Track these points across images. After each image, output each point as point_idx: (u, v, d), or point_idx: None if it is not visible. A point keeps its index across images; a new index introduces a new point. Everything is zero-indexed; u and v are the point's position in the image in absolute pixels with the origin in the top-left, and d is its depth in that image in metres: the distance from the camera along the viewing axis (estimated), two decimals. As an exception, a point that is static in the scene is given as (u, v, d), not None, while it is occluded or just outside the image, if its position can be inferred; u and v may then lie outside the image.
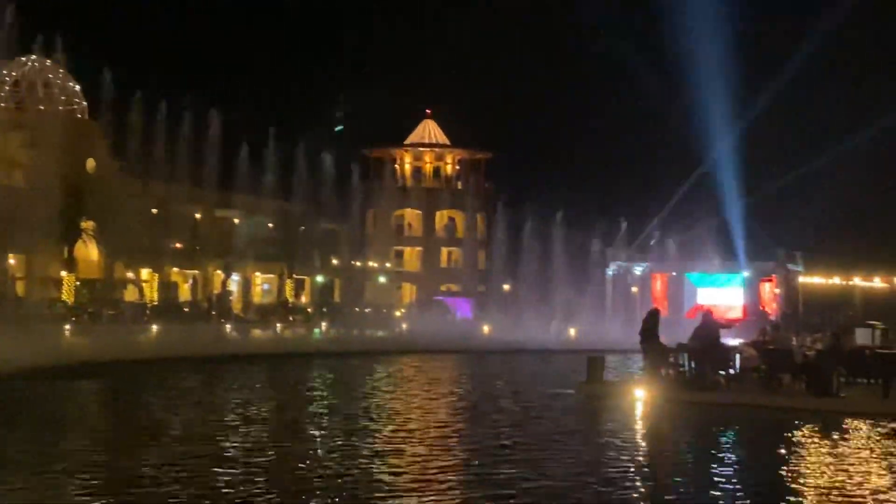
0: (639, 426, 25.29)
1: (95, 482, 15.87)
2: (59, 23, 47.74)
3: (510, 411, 27.24)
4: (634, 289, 79.41)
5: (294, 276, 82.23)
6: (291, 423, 24.36)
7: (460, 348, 56.29)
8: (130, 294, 67.47)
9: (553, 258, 71.70)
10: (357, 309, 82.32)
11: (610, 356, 37.04)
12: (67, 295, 60.54)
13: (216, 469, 17.03)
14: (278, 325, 61.48)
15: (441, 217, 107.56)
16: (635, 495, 16.10)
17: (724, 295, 75.91)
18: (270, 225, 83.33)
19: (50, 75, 70.32)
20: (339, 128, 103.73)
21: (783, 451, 20.36)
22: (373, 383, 35.80)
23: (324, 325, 63.77)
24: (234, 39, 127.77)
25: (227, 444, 20.00)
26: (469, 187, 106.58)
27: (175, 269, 75.33)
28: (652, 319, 31.70)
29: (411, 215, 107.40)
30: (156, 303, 66.30)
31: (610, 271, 78.44)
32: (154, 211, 70.88)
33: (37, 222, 46.00)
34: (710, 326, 30.76)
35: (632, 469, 18.42)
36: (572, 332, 65.47)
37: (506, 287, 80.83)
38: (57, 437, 20.77)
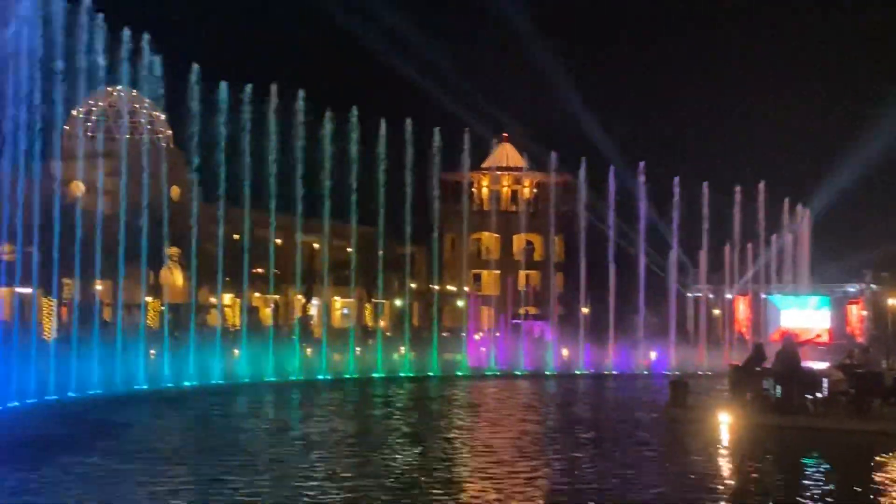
0: (723, 450, 24.95)
1: None
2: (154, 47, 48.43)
3: (593, 435, 27.07)
4: (717, 311, 78.45)
5: (373, 300, 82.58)
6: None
7: (539, 372, 56.08)
8: (214, 319, 68.24)
9: (633, 280, 71.05)
10: (435, 332, 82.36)
11: (693, 380, 36.61)
12: (152, 320, 61.45)
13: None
14: (357, 349, 61.76)
15: (519, 240, 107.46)
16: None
17: (808, 317, 74.58)
18: (349, 249, 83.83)
19: (136, 104, 71.70)
20: None
21: (874, 476, 19.96)
22: (453, 408, 35.79)
23: (402, 348, 63.94)
24: (317, 70, 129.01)
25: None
26: (547, 210, 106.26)
27: (257, 294, 76.10)
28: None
29: (489, 239, 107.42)
30: (238, 327, 66.99)
31: (692, 294, 77.62)
32: (236, 237, 71.70)
33: (123, 249, 46.80)
34: (790, 350, 30.34)
35: (717, 494, 18.18)
36: (653, 355, 64.86)
37: (585, 310, 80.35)
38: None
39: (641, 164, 70.18)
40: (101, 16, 41.52)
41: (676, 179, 69.72)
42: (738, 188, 71.46)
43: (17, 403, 32.09)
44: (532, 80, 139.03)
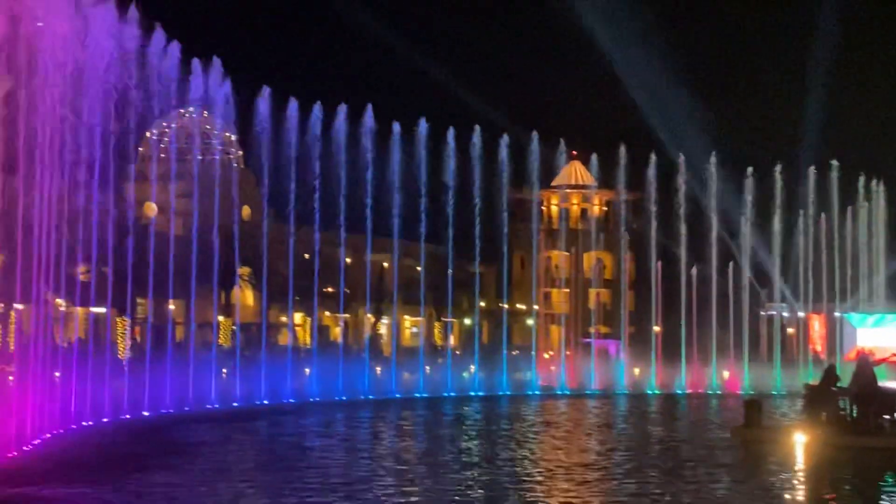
0: (800, 471, 24.52)
1: None
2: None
3: (667, 455, 26.78)
4: (791, 330, 77.29)
5: (442, 318, 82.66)
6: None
7: (609, 391, 55.74)
8: (285, 337, 68.69)
9: (704, 298, 70.19)
10: (505, 351, 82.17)
11: (767, 400, 36.09)
12: (224, 339, 61.96)
13: None
14: (427, 367, 61.82)
15: (589, 258, 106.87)
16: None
17: (886, 335, 72.95)
18: (419, 268, 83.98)
19: (207, 126, 72.59)
20: None
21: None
22: (526, 428, 35.62)
23: (472, 367, 63.88)
24: (384, 88, 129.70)
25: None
26: (617, 228, 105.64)
27: (327, 313, 76.48)
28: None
29: (558, 257, 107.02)
30: (309, 346, 67.38)
31: (766, 312, 76.49)
32: (306, 256, 72.16)
33: (195, 269, 47.34)
34: (866, 369, 29.78)
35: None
36: (725, 374, 64.06)
37: (656, 329, 79.67)
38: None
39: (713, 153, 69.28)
40: (175, 42, 42.22)
41: (749, 171, 68.61)
42: (811, 169, 70.24)
43: (91, 422, 32.54)
44: (601, 90, 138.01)
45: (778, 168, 68.40)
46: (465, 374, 61.12)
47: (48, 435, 27.87)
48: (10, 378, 32.98)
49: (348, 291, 78.06)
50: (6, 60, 25.80)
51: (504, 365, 60.49)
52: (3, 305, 43.31)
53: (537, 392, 56.12)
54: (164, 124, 71.85)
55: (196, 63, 45.47)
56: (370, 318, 77.05)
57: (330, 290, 76.02)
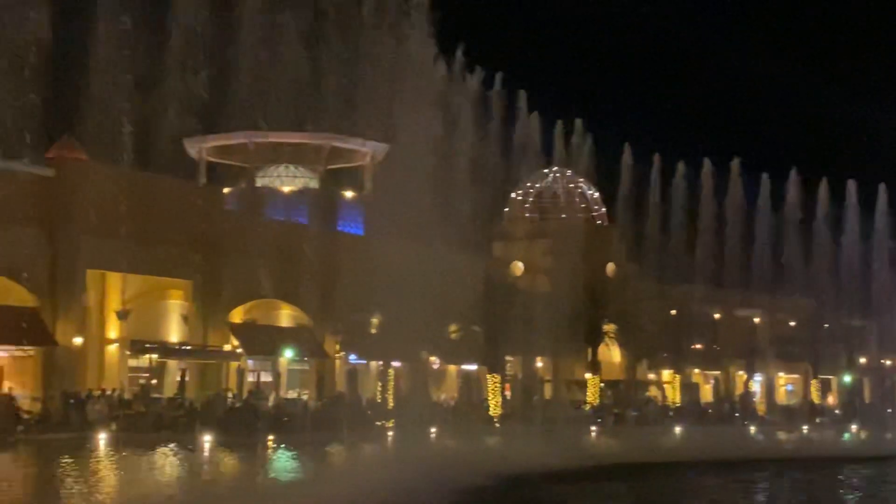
0: None
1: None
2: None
3: None
4: None
5: (819, 375, 78.68)
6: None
7: None
8: (654, 395, 67.67)
9: None
10: (890, 410, 77.07)
11: None
12: (592, 397, 61.86)
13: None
14: (804, 427, 58.92)
15: None
16: None
17: None
18: (792, 323, 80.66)
19: (571, 184, 73.48)
20: None
21: None
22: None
23: (854, 427, 60.26)
24: (751, 137, 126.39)
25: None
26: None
27: (696, 371, 74.81)
28: None
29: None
30: (678, 404, 66.07)
31: None
32: (673, 312, 71.00)
33: (562, 326, 47.60)
34: None
35: None
36: None
37: None
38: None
39: None
40: (536, 110, 43.38)
41: None
42: None
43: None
44: None
45: None
46: (847, 434, 57.78)
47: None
48: (389, 434, 34.29)
49: (717, 348, 76.12)
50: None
51: (889, 424, 56.66)
52: (382, 363, 45.44)
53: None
54: (529, 184, 73.51)
55: (559, 125, 46.42)
56: (742, 375, 74.71)
57: (698, 346, 74.41)
